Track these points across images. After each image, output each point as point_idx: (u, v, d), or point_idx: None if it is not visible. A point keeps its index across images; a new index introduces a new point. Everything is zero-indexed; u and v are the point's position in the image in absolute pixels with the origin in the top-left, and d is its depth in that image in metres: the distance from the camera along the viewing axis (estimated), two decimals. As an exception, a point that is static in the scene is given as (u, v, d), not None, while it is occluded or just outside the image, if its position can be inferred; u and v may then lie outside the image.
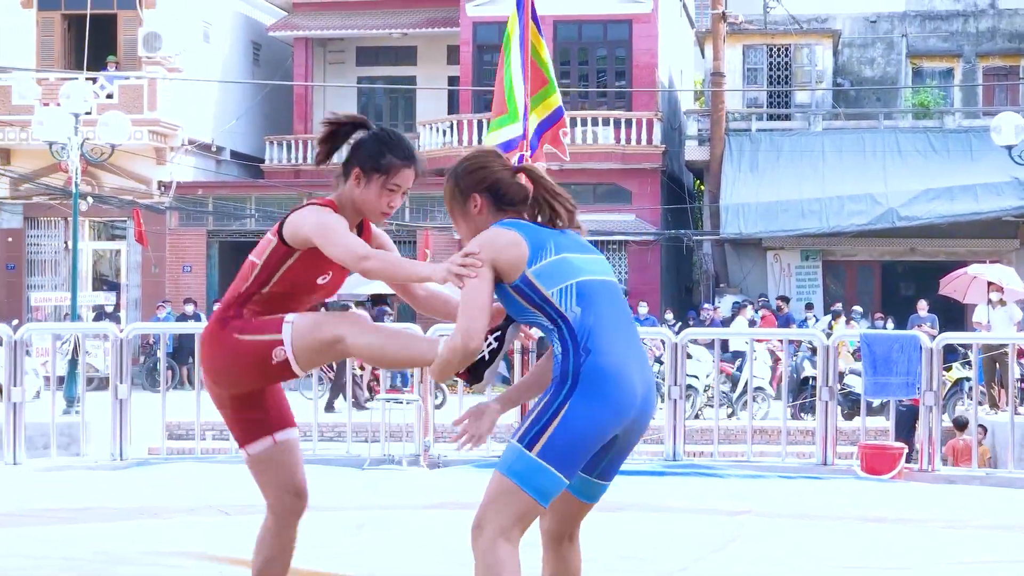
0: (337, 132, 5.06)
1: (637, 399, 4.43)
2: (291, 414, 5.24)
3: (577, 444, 4.36)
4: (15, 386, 11.73)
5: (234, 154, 35.91)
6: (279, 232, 4.98)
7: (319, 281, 4.99)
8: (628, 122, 33.10)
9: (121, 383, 11.87)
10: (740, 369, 21.94)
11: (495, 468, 4.46)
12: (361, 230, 5.10)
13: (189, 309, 29.18)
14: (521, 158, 11.83)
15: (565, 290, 4.45)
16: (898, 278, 33.54)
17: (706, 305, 29.20)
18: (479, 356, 4.47)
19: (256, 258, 5.02)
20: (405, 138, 5.11)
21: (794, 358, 22.45)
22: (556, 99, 11.68)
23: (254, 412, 5.11)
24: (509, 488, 4.36)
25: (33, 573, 6.65)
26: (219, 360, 5.01)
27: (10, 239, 33.48)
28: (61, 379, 17.39)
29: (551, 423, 4.35)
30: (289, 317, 4.93)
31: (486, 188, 4.64)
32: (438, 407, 18.37)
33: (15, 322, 21.13)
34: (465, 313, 4.37)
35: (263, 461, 5.12)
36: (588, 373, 4.36)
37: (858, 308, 28.40)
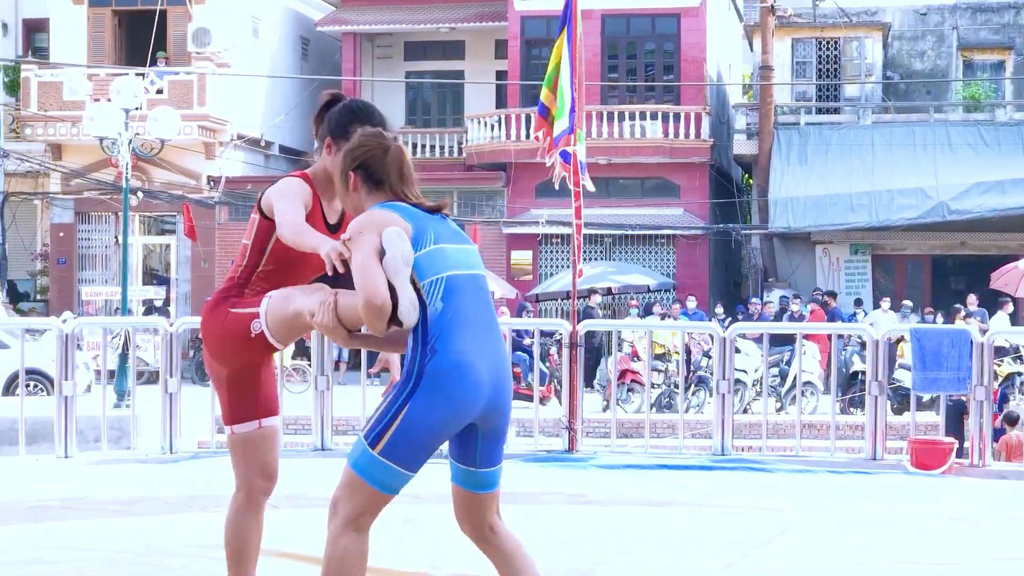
0: (321, 114, 5.21)
1: (483, 392, 4.60)
2: (278, 404, 5.53)
3: (417, 441, 4.57)
4: (66, 380, 11.82)
5: (283, 148, 36.06)
6: (259, 206, 5.15)
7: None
8: (676, 116, 33.02)
9: (171, 377, 11.93)
10: (789, 364, 21.86)
11: (346, 458, 4.68)
12: None
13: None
14: (566, 154, 11.92)
15: (435, 283, 4.58)
16: (948, 272, 33.31)
17: (754, 300, 29.08)
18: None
19: (246, 239, 5.20)
20: (376, 109, 5.19)
21: (843, 352, 22.32)
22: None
23: (246, 395, 5.34)
24: (355, 481, 4.63)
25: (82, 566, 6.70)
26: (211, 333, 5.22)
27: (61, 234, 33.74)
28: (112, 373, 17.51)
29: (392, 423, 4.55)
30: (272, 292, 5.05)
31: (359, 166, 4.75)
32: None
33: (66, 316, 21.29)
34: (360, 277, 4.50)
35: (245, 442, 5.42)
36: (430, 373, 4.53)
37: (908, 303, 28.23)
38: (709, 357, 21.00)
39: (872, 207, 30.79)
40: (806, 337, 20.74)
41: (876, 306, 28.73)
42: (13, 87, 34.62)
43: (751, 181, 35.73)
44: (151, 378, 20.11)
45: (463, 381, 4.54)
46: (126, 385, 16.10)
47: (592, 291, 27.85)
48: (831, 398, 13.83)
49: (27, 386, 12.58)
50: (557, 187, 12.44)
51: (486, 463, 4.76)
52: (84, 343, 19.92)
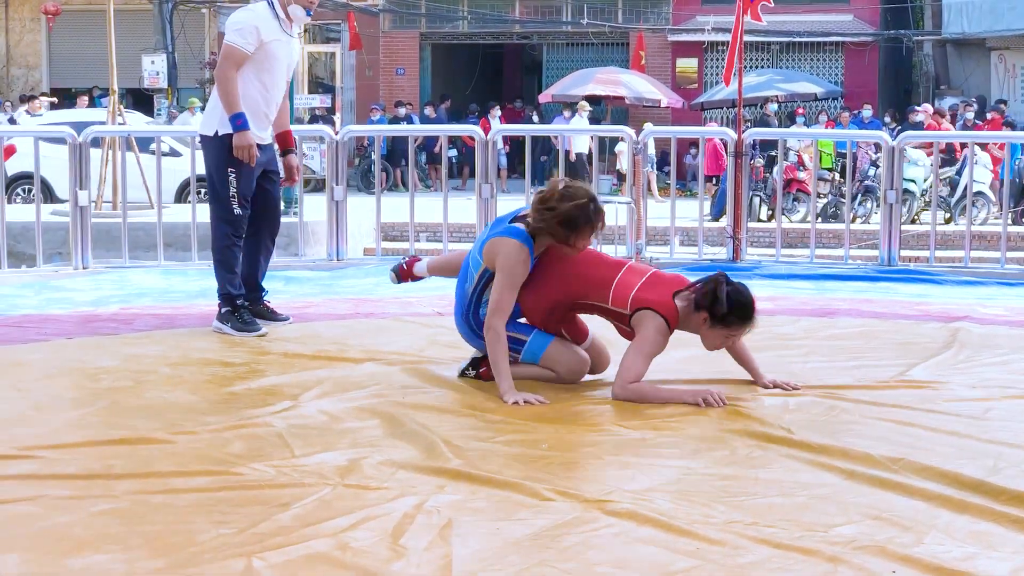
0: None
1: None
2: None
3: None
4: (236, 187, 12.00)
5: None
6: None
7: None
8: (847, -82, 32.03)
9: (337, 185, 12.09)
10: (959, 173, 21.40)
11: None
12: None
13: (402, 112, 29.45)
14: None
15: None
16: None
17: (925, 105, 28.33)
18: None
19: None
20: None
21: (1017, 162, 21.77)
22: None
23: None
24: None
25: (260, 368, 6.86)
26: None
27: (228, 42, 33.99)
28: (280, 181, 17.77)
29: None
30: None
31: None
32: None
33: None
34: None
35: None
36: None
37: (1087, 110, 27.36)
38: (876, 167, 20.65)
39: (1052, 10, 29.73)
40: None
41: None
42: None
43: (924, -16, 34.68)
44: (317, 186, 20.38)
45: None
46: (294, 193, 16.33)
47: (767, 100, 27.47)
48: (1003, 208, 13.54)
49: (198, 193, 12.78)
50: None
51: None
52: (252, 151, 20.18)
